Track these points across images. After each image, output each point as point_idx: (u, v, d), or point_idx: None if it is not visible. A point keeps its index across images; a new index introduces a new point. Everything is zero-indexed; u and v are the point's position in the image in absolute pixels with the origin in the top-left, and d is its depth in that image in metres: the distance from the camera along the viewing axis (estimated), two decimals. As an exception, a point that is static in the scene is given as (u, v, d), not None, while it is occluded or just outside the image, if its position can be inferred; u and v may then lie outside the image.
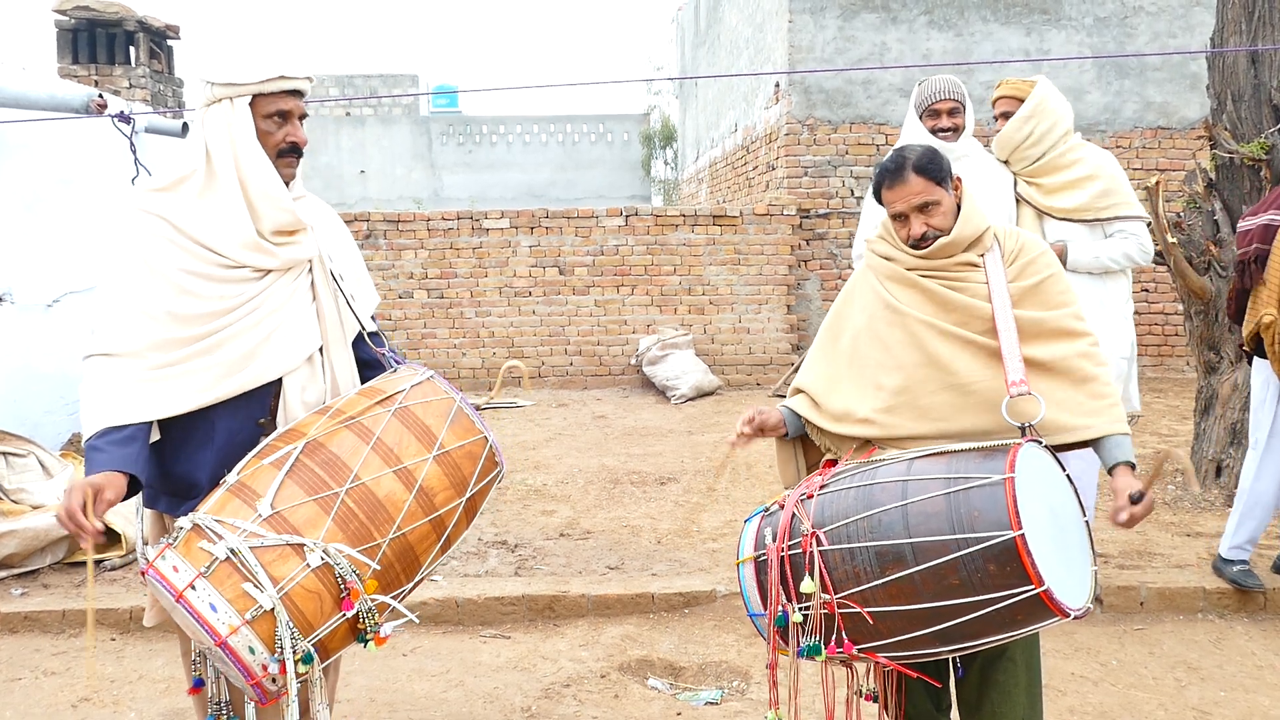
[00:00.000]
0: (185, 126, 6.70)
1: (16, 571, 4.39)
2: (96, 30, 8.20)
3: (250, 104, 2.25)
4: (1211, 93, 5.28)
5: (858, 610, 1.97)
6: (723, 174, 13.56)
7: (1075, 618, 1.89)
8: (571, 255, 9.69)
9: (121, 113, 5.01)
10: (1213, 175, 5.21)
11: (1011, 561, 1.85)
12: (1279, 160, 4.91)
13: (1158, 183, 5.03)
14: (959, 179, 2.32)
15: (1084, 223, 3.98)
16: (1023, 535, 1.84)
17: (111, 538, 4.64)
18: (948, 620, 1.92)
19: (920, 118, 3.89)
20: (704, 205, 13.52)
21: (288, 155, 2.31)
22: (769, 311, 9.69)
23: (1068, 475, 2.08)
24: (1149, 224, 4.17)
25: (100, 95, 5.41)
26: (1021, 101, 4.01)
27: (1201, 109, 9.13)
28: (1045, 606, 1.86)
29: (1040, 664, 2.33)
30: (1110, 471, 2.17)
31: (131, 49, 8.38)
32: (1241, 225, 4.19)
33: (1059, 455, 2.11)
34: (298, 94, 2.31)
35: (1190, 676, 3.52)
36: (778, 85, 10.21)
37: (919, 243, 2.27)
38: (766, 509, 2.19)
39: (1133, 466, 2.18)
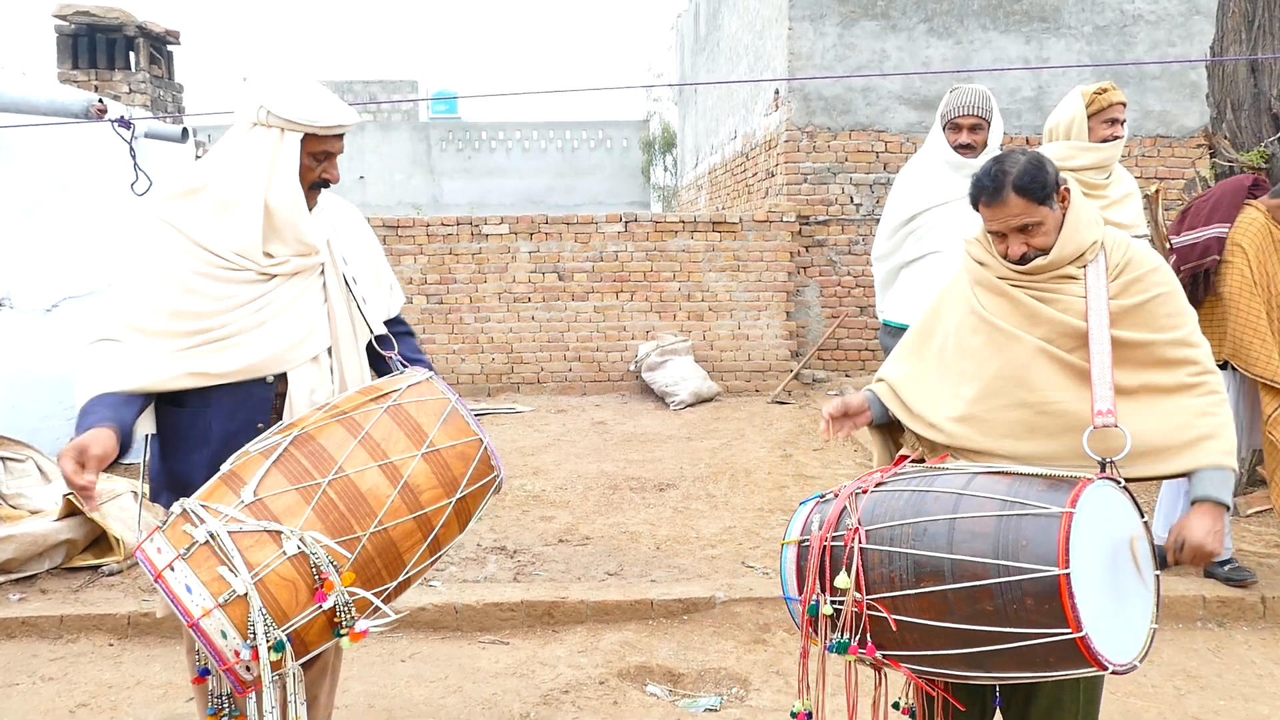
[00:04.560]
0: (185, 132, 6.71)
1: (14, 577, 4.37)
2: (96, 35, 8.21)
3: (301, 139, 2.28)
4: (1211, 101, 5.29)
5: (884, 615, 1.91)
6: (722, 180, 13.57)
7: (1114, 672, 1.78)
8: (571, 261, 9.70)
9: (121, 118, 5.01)
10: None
11: (1050, 600, 1.74)
12: (1278, 169, 4.92)
13: (1157, 191, 5.04)
14: (1066, 189, 2.13)
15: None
16: (1067, 575, 1.72)
17: (109, 543, 4.62)
18: (976, 645, 1.84)
19: (943, 129, 3.81)
20: (703, 212, 13.54)
21: (318, 188, 2.39)
22: (768, 318, 9.69)
23: (1145, 522, 1.93)
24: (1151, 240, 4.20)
25: (100, 100, 5.42)
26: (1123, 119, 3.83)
27: (1201, 117, 9.13)
28: (1080, 654, 1.75)
29: (1100, 698, 2.17)
30: (1191, 504, 2.01)
31: (131, 54, 8.39)
32: (1187, 238, 4.24)
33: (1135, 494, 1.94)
34: (342, 136, 2.39)
35: (1189, 685, 3.52)
36: (777, 92, 10.23)
37: (1017, 261, 2.14)
38: (823, 495, 2.14)
39: (1224, 506, 1.98)
